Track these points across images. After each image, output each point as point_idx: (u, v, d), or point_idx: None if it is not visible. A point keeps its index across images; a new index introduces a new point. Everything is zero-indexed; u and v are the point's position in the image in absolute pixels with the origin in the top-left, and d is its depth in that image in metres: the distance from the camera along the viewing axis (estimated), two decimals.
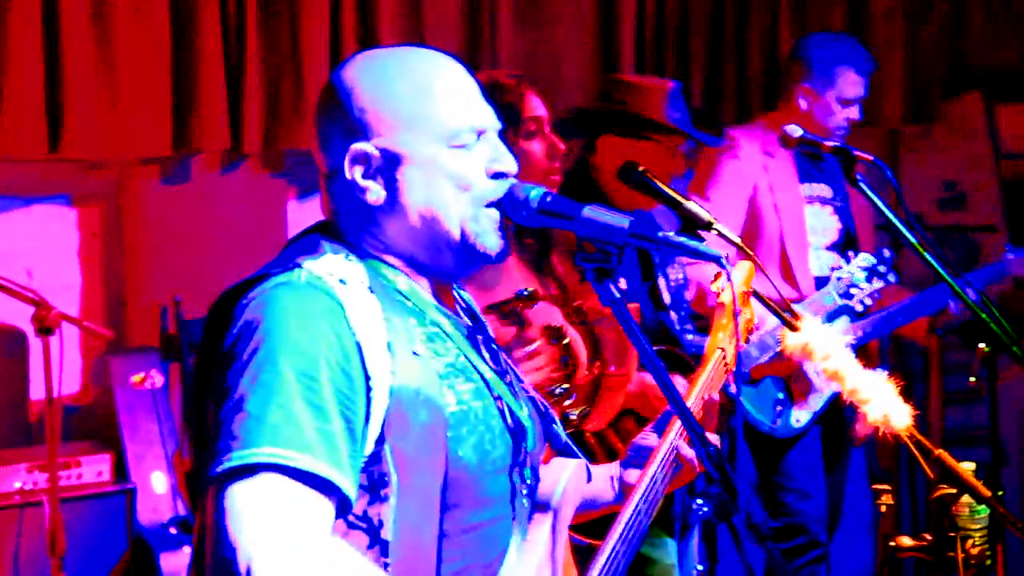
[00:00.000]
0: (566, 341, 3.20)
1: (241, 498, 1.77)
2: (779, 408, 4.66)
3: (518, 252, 3.43)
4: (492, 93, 3.37)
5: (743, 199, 4.65)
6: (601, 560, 2.09)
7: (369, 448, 1.89)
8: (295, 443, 1.79)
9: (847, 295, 4.36)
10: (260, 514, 1.76)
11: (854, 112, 4.71)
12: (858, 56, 4.72)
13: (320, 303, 1.91)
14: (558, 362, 3.26)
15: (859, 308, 4.43)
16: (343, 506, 1.86)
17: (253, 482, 1.78)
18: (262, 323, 1.87)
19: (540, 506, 2.14)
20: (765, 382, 4.63)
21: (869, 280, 4.35)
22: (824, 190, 4.81)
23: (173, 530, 4.35)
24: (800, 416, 4.68)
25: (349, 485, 1.85)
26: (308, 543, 1.78)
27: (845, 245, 4.80)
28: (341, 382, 1.86)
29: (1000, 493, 3.14)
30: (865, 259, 4.35)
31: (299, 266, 1.95)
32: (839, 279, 4.24)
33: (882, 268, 4.39)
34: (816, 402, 4.70)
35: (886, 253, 4.41)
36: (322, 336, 1.87)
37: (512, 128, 3.35)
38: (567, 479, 2.17)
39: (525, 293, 3.20)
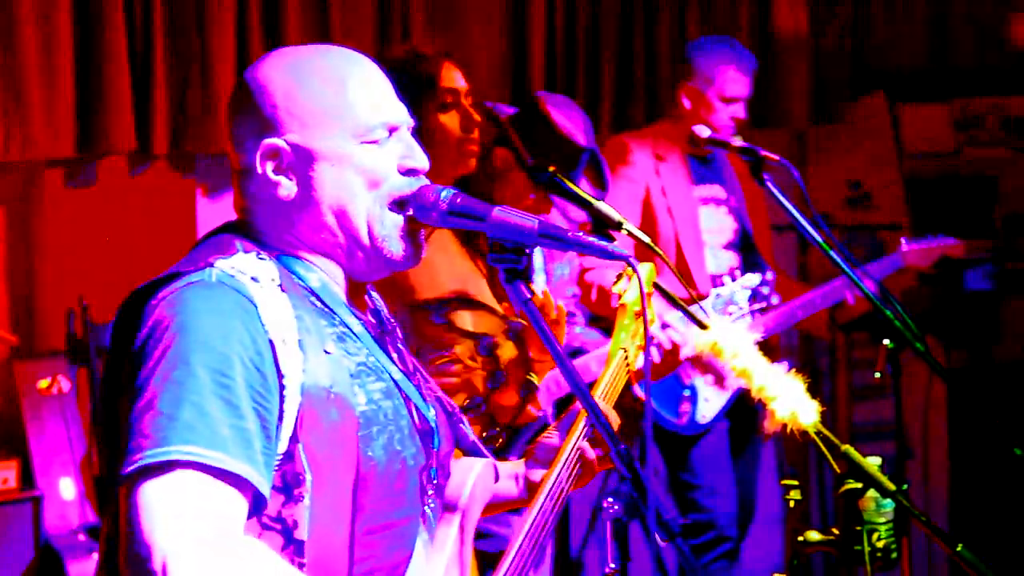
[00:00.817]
0: (494, 349, 3.22)
1: (155, 496, 1.77)
2: (685, 404, 4.70)
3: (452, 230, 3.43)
4: (410, 63, 3.38)
5: (636, 203, 4.70)
6: (508, 559, 2.11)
7: (283, 446, 1.90)
8: (208, 440, 1.80)
9: (723, 312, 4.28)
10: (174, 511, 1.76)
11: (739, 111, 4.75)
12: (738, 55, 4.79)
13: (232, 301, 1.91)
14: (484, 374, 3.27)
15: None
16: (258, 503, 1.87)
17: (166, 480, 1.77)
18: (174, 321, 1.87)
19: (448, 506, 2.16)
20: (670, 378, 4.66)
21: (750, 300, 4.24)
22: (717, 191, 4.87)
23: (81, 537, 4.29)
24: (706, 412, 4.73)
25: (263, 482, 1.85)
26: (223, 539, 1.78)
27: (742, 244, 4.86)
28: (255, 379, 1.87)
29: (904, 487, 3.20)
30: (749, 280, 4.32)
31: (211, 264, 1.95)
32: (718, 296, 4.22)
33: (765, 289, 4.36)
34: (721, 398, 4.75)
35: (768, 275, 4.42)
36: (235, 334, 1.88)
37: (428, 100, 3.35)
38: (474, 479, 2.19)
39: (464, 296, 3.22)
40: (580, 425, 2.35)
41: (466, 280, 3.38)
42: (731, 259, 4.81)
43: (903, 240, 5.00)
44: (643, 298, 2.07)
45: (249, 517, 1.86)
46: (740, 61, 4.77)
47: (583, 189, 3.62)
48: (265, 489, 1.85)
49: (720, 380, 4.71)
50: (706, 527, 4.80)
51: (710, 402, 4.73)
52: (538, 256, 4.03)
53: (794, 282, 5.19)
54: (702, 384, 4.72)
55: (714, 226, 4.81)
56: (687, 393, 4.70)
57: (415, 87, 3.14)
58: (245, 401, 1.85)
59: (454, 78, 3.40)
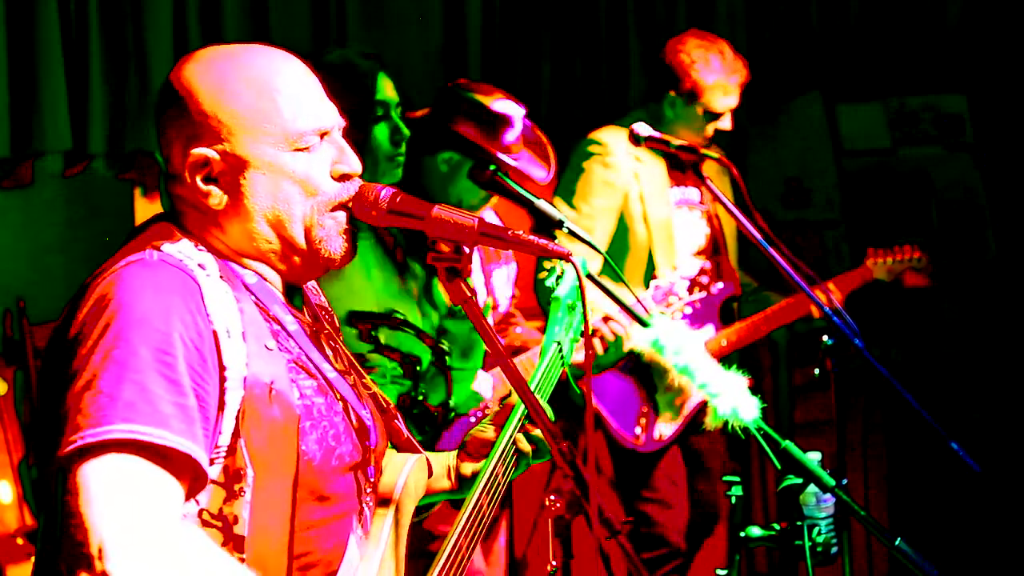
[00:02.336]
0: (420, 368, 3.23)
1: (92, 477, 1.76)
2: (643, 421, 4.64)
3: None
4: (345, 71, 3.37)
5: (614, 211, 4.58)
6: (444, 554, 2.11)
7: (225, 439, 1.90)
8: (150, 418, 1.79)
9: (663, 304, 4.20)
10: (112, 493, 1.75)
11: (724, 123, 4.62)
12: (729, 66, 4.57)
13: (174, 279, 1.91)
14: (406, 394, 3.28)
15: (674, 318, 4.21)
16: (197, 481, 1.86)
17: (105, 460, 1.77)
18: (114, 299, 1.87)
19: (381, 502, 2.16)
20: (629, 396, 4.62)
21: (689, 291, 4.23)
22: (692, 193, 4.76)
23: (20, 541, 4.25)
24: (663, 431, 4.67)
25: (205, 457, 1.85)
26: (161, 521, 1.77)
27: (714, 250, 4.77)
28: (194, 360, 1.87)
29: (844, 482, 3.23)
30: (687, 270, 4.27)
31: (155, 248, 1.96)
32: (656, 287, 4.18)
33: (704, 279, 4.30)
34: (680, 417, 4.69)
35: (707, 264, 4.38)
36: (176, 312, 1.87)
37: (361, 110, 3.34)
38: (407, 474, 2.20)
39: (394, 316, 3.22)
40: (514, 418, 2.35)
41: (395, 300, 3.38)
42: (703, 265, 4.70)
43: (870, 252, 4.93)
44: (582, 293, 2.07)
45: (190, 496, 1.86)
46: (732, 73, 4.57)
47: (528, 158, 3.63)
48: (207, 464, 1.85)
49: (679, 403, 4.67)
50: (658, 543, 4.74)
51: (668, 422, 4.68)
52: (475, 257, 4.03)
53: (761, 288, 5.08)
54: (661, 402, 4.66)
55: (687, 231, 4.71)
56: (646, 409, 4.64)
57: (347, 96, 3.17)
58: (185, 379, 1.85)
59: (387, 89, 3.39)
